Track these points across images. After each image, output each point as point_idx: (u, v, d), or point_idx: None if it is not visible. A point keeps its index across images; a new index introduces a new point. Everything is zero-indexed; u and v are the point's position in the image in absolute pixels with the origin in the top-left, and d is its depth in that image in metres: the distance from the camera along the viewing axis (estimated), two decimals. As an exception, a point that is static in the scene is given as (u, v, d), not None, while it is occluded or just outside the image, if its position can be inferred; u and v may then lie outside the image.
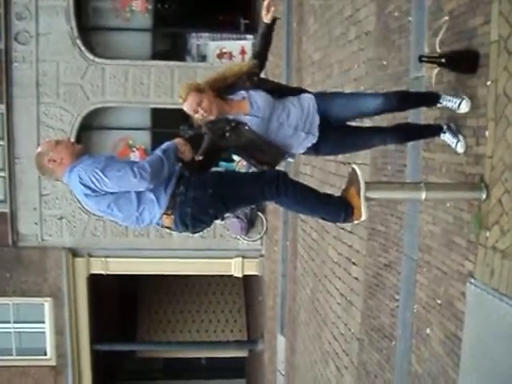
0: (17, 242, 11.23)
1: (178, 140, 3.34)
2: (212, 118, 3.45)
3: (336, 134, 3.74)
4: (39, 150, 3.35)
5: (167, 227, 3.33)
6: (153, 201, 3.20)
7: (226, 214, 3.45)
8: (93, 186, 3.13)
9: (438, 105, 3.71)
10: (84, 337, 11.79)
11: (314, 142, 3.66)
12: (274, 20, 3.66)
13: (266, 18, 3.63)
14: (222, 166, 10.73)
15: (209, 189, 3.25)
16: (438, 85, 4.02)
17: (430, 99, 3.77)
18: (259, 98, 3.53)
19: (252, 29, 12.14)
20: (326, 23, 7.37)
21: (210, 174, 3.45)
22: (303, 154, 3.82)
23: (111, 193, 3.17)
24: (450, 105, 3.62)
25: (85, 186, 3.14)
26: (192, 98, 3.39)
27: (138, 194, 3.19)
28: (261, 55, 3.70)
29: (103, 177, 3.10)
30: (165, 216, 3.23)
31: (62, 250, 11.30)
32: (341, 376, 6.58)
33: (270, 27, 3.67)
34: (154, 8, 11.82)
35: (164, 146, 3.27)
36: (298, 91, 3.77)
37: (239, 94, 3.55)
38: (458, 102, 3.56)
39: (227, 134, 3.51)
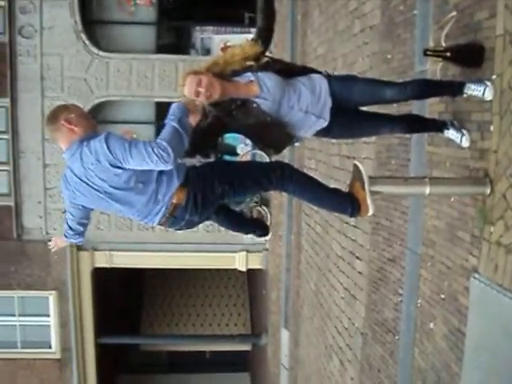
0: (21, 236, 11.27)
1: (185, 101, 3.19)
2: (216, 97, 3.32)
3: (348, 119, 3.65)
4: (68, 104, 3.30)
5: (171, 215, 3.18)
6: (173, 173, 3.12)
7: (232, 198, 3.34)
8: (117, 157, 2.98)
9: (464, 95, 3.54)
10: (88, 330, 11.83)
11: (325, 125, 3.55)
12: None
13: None
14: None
15: (215, 167, 3.27)
16: (443, 78, 4.00)
17: (453, 88, 3.61)
18: (268, 80, 3.40)
19: (256, 22, 12.10)
20: (331, 16, 7.35)
21: (217, 160, 3.47)
22: (313, 135, 3.72)
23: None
24: (475, 93, 3.45)
25: (112, 154, 2.98)
26: (190, 80, 3.28)
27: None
28: (264, 30, 3.54)
29: (129, 153, 2.97)
30: (180, 189, 3.12)
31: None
32: (344, 370, 6.60)
33: (268, 1, 3.50)
34: (158, 1, 11.80)
35: (176, 111, 3.06)
36: (308, 71, 3.65)
37: (245, 76, 3.42)
38: (482, 89, 3.40)
39: (234, 113, 3.39)
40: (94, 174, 3.10)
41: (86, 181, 3.14)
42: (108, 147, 3.01)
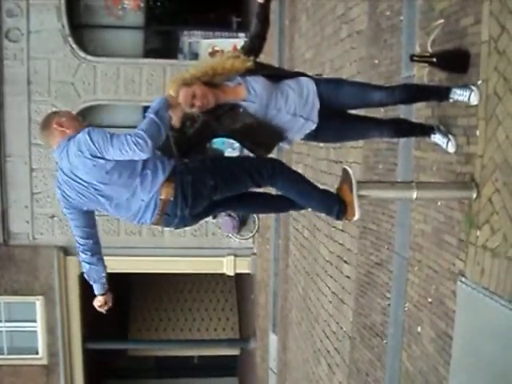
0: (8, 241, 11.18)
1: (167, 95, 3.26)
2: (210, 106, 3.35)
3: (337, 122, 3.67)
4: (59, 110, 3.43)
5: (162, 212, 3.18)
6: (157, 167, 3.16)
7: (225, 192, 3.31)
8: (97, 146, 3.07)
9: (451, 100, 3.57)
10: (76, 335, 11.76)
11: (313, 128, 3.56)
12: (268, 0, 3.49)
13: None
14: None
15: (207, 161, 3.29)
16: (429, 84, 4.03)
17: (439, 93, 3.65)
18: (256, 83, 3.43)
19: (244, 27, 12.13)
20: (319, 21, 7.38)
21: (207, 156, 3.48)
22: (302, 139, 3.73)
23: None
24: (460, 98, 3.49)
25: (93, 143, 3.08)
26: (184, 93, 3.30)
27: (144, 161, 3.14)
28: (257, 37, 3.56)
29: (109, 142, 3.07)
30: (166, 184, 3.14)
31: (54, 248, 11.26)
32: (332, 374, 6.60)
33: (264, 7, 3.51)
34: (145, 6, 11.78)
35: (155, 104, 3.17)
36: (296, 74, 3.67)
37: (234, 79, 3.44)
38: (468, 94, 3.43)
39: (222, 118, 3.41)
40: (79, 168, 3.15)
41: (74, 177, 3.18)
42: (90, 137, 3.11)
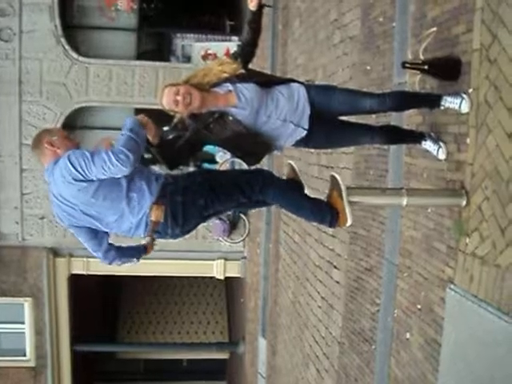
0: (-3, 241, 11.12)
1: (138, 116, 3.29)
2: (196, 105, 3.36)
3: (328, 128, 3.68)
4: (50, 127, 3.37)
5: (153, 231, 3.23)
6: (143, 189, 3.15)
7: (217, 208, 3.33)
8: (79, 170, 3.06)
9: (442, 107, 3.60)
10: (64, 337, 11.68)
11: (303, 135, 3.58)
12: (260, 7, 3.50)
13: (252, 6, 3.47)
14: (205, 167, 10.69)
15: (198, 177, 3.27)
16: (421, 91, 4.05)
17: (430, 101, 3.67)
18: (246, 90, 3.44)
19: (237, 30, 12.14)
20: (311, 27, 7.39)
21: (198, 170, 3.46)
22: (293, 145, 3.74)
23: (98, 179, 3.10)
24: (452, 106, 3.51)
25: (74, 168, 3.07)
26: (168, 90, 3.34)
27: (129, 183, 3.14)
28: (248, 44, 3.57)
29: (91, 161, 3.05)
30: (155, 207, 3.14)
31: (43, 249, 11.19)
32: (321, 379, 6.60)
33: (256, 14, 3.52)
34: (139, 8, 11.76)
35: (127, 124, 3.18)
36: (287, 81, 3.67)
37: (224, 86, 3.46)
38: (459, 102, 3.46)
39: (211, 126, 3.42)
40: (65, 192, 3.16)
41: (62, 200, 3.19)
42: (70, 162, 3.09)
